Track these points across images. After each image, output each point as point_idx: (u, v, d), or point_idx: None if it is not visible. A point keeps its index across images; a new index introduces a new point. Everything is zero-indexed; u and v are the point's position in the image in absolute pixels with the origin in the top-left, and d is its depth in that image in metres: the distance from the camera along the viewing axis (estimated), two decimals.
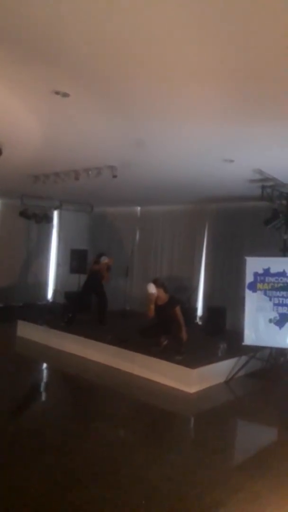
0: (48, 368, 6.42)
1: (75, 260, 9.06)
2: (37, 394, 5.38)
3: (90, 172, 5.63)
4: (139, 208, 9.91)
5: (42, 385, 5.78)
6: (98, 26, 2.20)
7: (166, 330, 5.75)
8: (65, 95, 3.10)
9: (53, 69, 2.77)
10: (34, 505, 2.75)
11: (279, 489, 3.09)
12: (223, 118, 3.53)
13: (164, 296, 5.72)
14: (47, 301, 9.98)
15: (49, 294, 10.20)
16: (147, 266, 9.67)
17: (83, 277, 8.62)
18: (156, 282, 5.77)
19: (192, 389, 5.14)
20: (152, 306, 5.64)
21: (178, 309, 5.66)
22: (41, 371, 6.37)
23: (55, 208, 9.17)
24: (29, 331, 7.41)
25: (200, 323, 8.21)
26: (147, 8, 1.99)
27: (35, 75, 2.86)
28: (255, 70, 2.61)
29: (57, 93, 3.07)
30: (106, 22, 2.15)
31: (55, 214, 9.40)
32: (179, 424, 4.54)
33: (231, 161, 4.91)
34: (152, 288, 5.66)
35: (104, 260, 7.42)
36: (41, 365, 6.53)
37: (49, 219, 9.06)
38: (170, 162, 5.28)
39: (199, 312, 8.53)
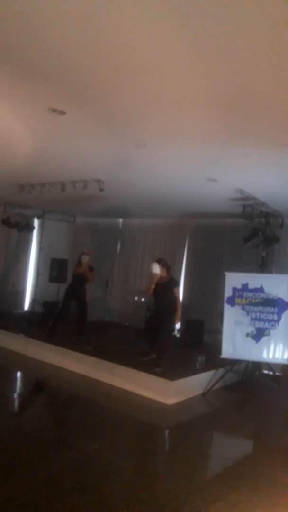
0: (26, 378, 6.36)
1: (55, 269, 9.04)
2: (14, 405, 5.33)
3: (76, 185, 5.72)
4: (121, 220, 10.03)
5: (20, 396, 5.72)
6: (95, 50, 2.31)
7: (162, 312, 5.86)
8: (62, 112, 3.21)
9: (52, 88, 2.87)
10: None
11: (256, 498, 3.21)
12: (208, 141, 3.72)
13: (165, 276, 5.91)
14: (24, 310, 9.87)
15: (26, 303, 10.10)
16: (127, 278, 9.76)
17: (62, 287, 8.62)
18: (160, 262, 5.93)
19: (170, 401, 5.23)
20: (153, 286, 5.79)
21: (176, 290, 5.96)
22: (19, 381, 6.31)
23: (38, 217, 9.16)
24: (6, 340, 7.32)
25: (178, 335, 8.33)
26: (142, 36, 2.11)
27: (34, 92, 2.96)
28: (240, 99, 2.80)
29: (53, 110, 3.17)
30: (103, 47, 2.26)
31: (37, 222, 9.37)
32: (157, 435, 4.61)
33: (215, 180, 5.13)
34: (156, 268, 5.82)
35: (85, 259, 7.32)
36: (19, 376, 6.46)
37: (31, 228, 9.04)
38: (155, 180, 5.46)
39: (177, 325, 8.66)
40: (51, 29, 2.12)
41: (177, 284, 6.07)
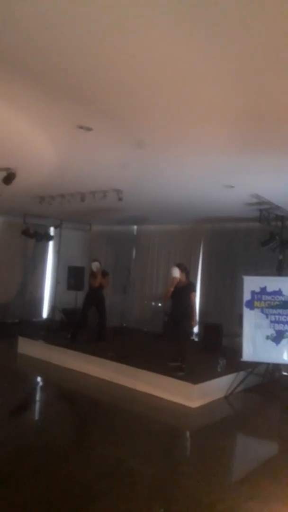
0: (49, 384, 6.51)
1: (72, 277, 9.25)
2: (38, 410, 5.47)
3: (96, 195, 5.89)
4: (135, 227, 10.19)
5: (43, 401, 5.87)
6: (121, 68, 2.44)
7: (178, 315, 5.99)
8: (88, 129, 3.38)
9: (81, 105, 3.04)
10: None
11: (287, 496, 3.30)
12: (227, 150, 3.86)
13: (184, 280, 6.06)
14: (43, 318, 10.07)
15: (45, 311, 10.30)
16: (143, 284, 9.90)
17: (80, 294, 8.81)
18: (180, 267, 6.08)
19: (194, 404, 5.32)
20: (172, 289, 5.94)
21: (193, 295, 6.10)
22: (42, 387, 6.46)
23: (55, 227, 9.37)
24: (29, 348, 7.49)
25: (196, 339, 8.42)
26: (167, 51, 2.22)
27: (63, 111, 3.13)
28: (262, 111, 2.93)
29: (81, 127, 3.34)
30: (130, 64, 2.39)
31: (54, 231, 9.59)
32: (184, 437, 4.72)
33: (231, 187, 5.25)
34: (176, 272, 5.97)
35: (96, 267, 7.32)
36: (42, 381, 6.62)
37: (49, 237, 9.26)
38: (173, 188, 5.61)
39: (196, 329, 8.75)
40: (83, 51, 2.25)
41: (194, 289, 6.23)
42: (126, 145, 3.83)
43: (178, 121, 3.19)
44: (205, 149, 3.84)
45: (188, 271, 6.31)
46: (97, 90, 2.77)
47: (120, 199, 5.71)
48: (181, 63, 2.33)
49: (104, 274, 7.52)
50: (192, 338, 8.40)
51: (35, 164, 4.53)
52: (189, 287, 6.10)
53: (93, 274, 7.43)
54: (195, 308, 6.08)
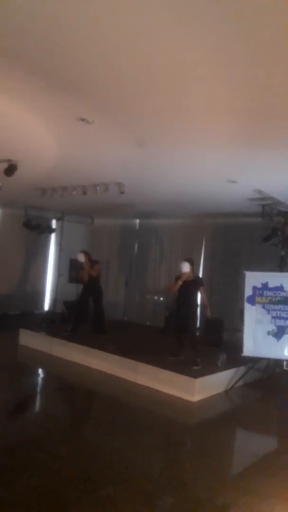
0: (50, 376, 6.54)
1: (74, 270, 9.23)
2: (38, 402, 5.50)
3: (98, 188, 5.86)
4: (138, 221, 10.16)
5: (44, 393, 5.89)
6: (123, 61, 2.41)
7: (187, 309, 6.04)
8: (90, 122, 3.34)
9: (82, 99, 3.01)
10: (46, 507, 2.90)
11: (285, 490, 3.31)
12: (230, 145, 3.82)
13: (191, 274, 6.11)
14: (45, 310, 10.09)
15: (46, 303, 10.32)
16: (145, 278, 9.89)
17: (81, 287, 8.80)
18: (190, 261, 6.15)
19: (194, 398, 5.34)
20: (180, 283, 5.96)
21: (203, 289, 6.17)
22: (43, 379, 6.50)
23: (57, 219, 9.35)
24: (31, 340, 7.52)
25: (197, 334, 8.41)
26: (169, 43, 2.18)
27: (64, 103, 3.10)
28: (266, 105, 2.89)
29: (82, 120, 3.31)
30: (131, 57, 2.36)
31: (56, 223, 9.58)
32: (184, 431, 4.73)
33: (234, 182, 5.21)
34: (187, 267, 6.01)
35: (81, 258, 7.19)
36: (44, 374, 6.65)
37: (51, 230, 9.24)
38: (176, 183, 5.57)
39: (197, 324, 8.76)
40: (85, 43, 2.23)
41: (203, 283, 6.26)
42: (128, 139, 3.79)
43: (180, 114, 3.15)
44: (207, 143, 3.79)
45: (193, 264, 6.37)
46: (98, 82, 2.74)
47: (122, 192, 5.68)
48: (184, 55, 2.30)
49: (93, 262, 7.35)
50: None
51: (36, 156, 4.50)
52: (198, 282, 6.17)
53: (81, 267, 7.36)
54: (207, 302, 6.24)
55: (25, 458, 3.59)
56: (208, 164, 4.53)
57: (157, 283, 9.63)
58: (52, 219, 9.35)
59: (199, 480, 3.45)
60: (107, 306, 8.31)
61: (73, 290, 9.31)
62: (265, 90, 2.64)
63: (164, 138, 3.73)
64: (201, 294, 6.17)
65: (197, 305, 6.24)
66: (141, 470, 3.53)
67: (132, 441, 4.19)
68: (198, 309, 6.40)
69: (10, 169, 4.69)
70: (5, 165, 4.67)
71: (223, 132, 3.43)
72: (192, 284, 6.06)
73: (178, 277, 6.06)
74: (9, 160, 4.65)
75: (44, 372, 6.68)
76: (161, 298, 9.38)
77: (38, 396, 5.64)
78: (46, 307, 10.18)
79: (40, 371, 6.68)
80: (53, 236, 10.03)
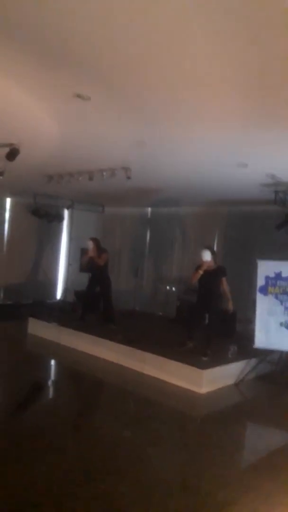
0: (58, 365, 6.49)
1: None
2: (47, 391, 5.45)
3: (104, 173, 5.70)
4: (149, 209, 9.98)
5: (52, 382, 5.85)
6: (121, 35, 2.26)
7: (207, 300, 5.82)
8: (87, 98, 3.17)
9: (77, 73, 2.84)
10: (41, 500, 2.80)
11: None
12: (240, 124, 3.58)
13: (212, 264, 5.88)
14: (56, 299, 10.08)
15: (59, 293, 10.30)
16: (157, 267, 9.73)
17: None
18: (210, 249, 5.93)
19: (202, 390, 5.17)
20: (201, 272, 5.76)
21: (225, 280, 5.88)
22: (51, 368, 6.45)
23: (67, 208, 9.26)
24: (39, 329, 7.49)
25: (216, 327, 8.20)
26: (170, 18, 2.03)
27: (59, 78, 2.93)
28: (274, 81, 2.66)
29: (79, 96, 3.14)
30: (130, 31, 2.21)
31: (66, 213, 9.49)
32: (189, 423, 4.58)
33: (245, 165, 4.96)
34: (208, 256, 5.80)
35: (89, 245, 7.03)
36: (52, 362, 6.61)
37: (61, 218, 9.15)
38: (185, 167, 5.36)
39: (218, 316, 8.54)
40: (75, 13, 2.07)
41: (226, 273, 5.95)
42: (130, 117, 3.60)
43: (186, 88, 2.94)
44: (215, 121, 3.55)
45: (215, 254, 6.10)
46: (93, 55, 2.56)
47: (129, 177, 5.51)
48: (189, 24, 2.10)
49: (101, 251, 7.15)
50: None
51: (37, 138, 4.36)
52: (220, 272, 5.91)
53: (86, 253, 7.21)
54: (229, 294, 5.92)
55: (27, 448, 3.52)
56: (217, 145, 4.29)
57: (169, 273, 9.45)
58: (61, 207, 9.26)
59: (203, 474, 3.29)
60: (118, 295, 8.20)
61: (85, 280, 9.22)
62: (277, 60, 2.41)
63: (168, 116, 3.52)
64: (223, 285, 5.87)
65: (218, 296, 5.90)
66: (143, 463, 3.41)
67: (136, 432, 4.07)
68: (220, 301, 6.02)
69: (12, 153, 4.56)
70: (6, 150, 4.54)
71: (231, 107, 3.20)
72: (213, 274, 5.82)
73: (199, 267, 5.84)
74: (10, 144, 4.52)
75: (51, 361, 6.63)
76: (173, 288, 9.20)
77: (42, 386, 5.57)
78: (58, 296, 10.16)
79: (47, 360, 6.63)
80: (65, 225, 9.96)
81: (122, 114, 3.55)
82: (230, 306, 5.95)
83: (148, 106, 3.35)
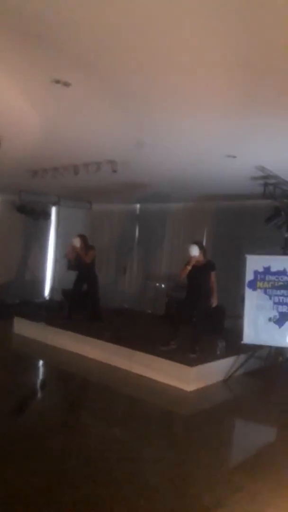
0: (44, 365, 6.34)
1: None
2: (33, 391, 5.30)
3: (89, 167, 5.56)
4: (138, 206, 9.84)
5: (39, 382, 5.71)
6: (101, 14, 2.13)
7: (196, 295, 5.69)
8: (66, 84, 3.02)
9: (54, 57, 2.69)
10: (30, 503, 2.68)
11: (279, 489, 3.03)
12: (227, 111, 3.45)
13: (201, 259, 5.74)
14: (44, 298, 9.89)
15: (47, 291, 10.11)
16: (146, 264, 9.61)
17: None
18: (199, 244, 5.79)
19: (190, 387, 5.07)
20: (189, 268, 5.62)
21: (213, 274, 5.76)
22: (37, 368, 6.29)
23: (53, 204, 9.09)
24: (25, 328, 7.31)
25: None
26: (155, 1, 1.92)
27: (35, 62, 2.79)
28: (265, 62, 2.54)
29: (57, 82, 2.99)
30: (110, 10, 2.08)
31: (53, 210, 9.30)
32: (177, 422, 4.48)
33: (234, 157, 4.85)
34: (195, 250, 5.66)
35: (75, 242, 6.94)
36: (38, 362, 6.45)
37: (47, 215, 8.97)
38: (172, 159, 5.22)
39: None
40: None
41: (215, 268, 5.83)
42: (113, 105, 3.46)
43: (170, 75, 2.81)
44: (202, 109, 3.41)
45: (205, 249, 5.98)
46: (71, 38, 2.42)
47: (114, 171, 5.37)
48: (174, 8, 1.99)
49: (88, 248, 7.06)
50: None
51: (15, 128, 4.18)
52: (209, 266, 5.78)
53: (73, 249, 7.10)
54: (215, 289, 5.78)
55: (10, 450, 3.37)
56: (204, 134, 4.15)
57: (158, 269, 9.33)
58: (48, 204, 9.08)
59: (190, 475, 3.19)
60: (106, 293, 8.06)
61: (73, 278, 9.07)
62: (263, 44, 2.30)
63: (153, 102, 3.36)
64: (212, 279, 5.75)
65: (207, 292, 5.76)
66: (125, 464, 3.28)
67: (123, 432, 3.96)
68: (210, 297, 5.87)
69: None
70: None
71: (214, 93, 3.07)
72: (202, 269, 5.70)
73: (187, 262, 5.72)
74: None
75: (37, 361, 6.47)
76: (163, 285, 9.08)
77: (29, 386, 5.42)
78: (46, 295, 9.97)
79: (32, 360, 6.46)
80: (52, 223, 9.77)
81: (104, 102, 3.41)
82: (215, 300, 5.79)
83: (130, 94, 3.22)
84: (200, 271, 5.68)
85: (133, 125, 3.96)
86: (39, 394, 5.28)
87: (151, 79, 2.94)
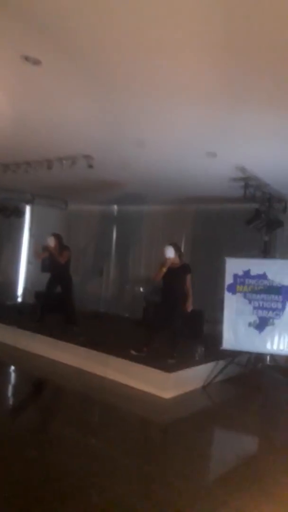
0: (15, 370, 5.98)
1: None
2: (2, 399, 4.94)
3: (64, 162, 5.28)
4: (116, 207, 9.59)
5: (8, 388, 5.34)
6: None
7: (172, 299, 5.48)
8: (36, 62, 2.76)
9: (22, 30, 2.43)
10: None
11: (263, 500, 2.83)
12: (207, 100, 3.25)
13: (177, 261, 5.55)
14: (16, 300, 9.47)
15: (19, 293, 9.68)
16: (123, 267, 9.35)
17: None
18: (174, 246, 5.59)
19: (168, 394, 4.83)
20: (164, 270, 5.41)
21: (189, 277, 5.55)
22: (7, 374, 5.91)
23: (27, 203, 8.72)
24: None
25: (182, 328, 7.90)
26: None
27: (1, 33, 2.50)
28: (245, 42, 2.36)
29: (26, 58, 2.72)
30: None
31: (27, 209, 8.93)
32: (154, 432, 4.24)
33: (214, 154, 4.68)
34: (171, 252, 5.45)
35: (50, 242, 6.70)
36: (8, 368, 6.07)
37: (20, 214, 8.58)
38: (150, 156, 5.01)
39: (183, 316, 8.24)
40: None
41: (190, 271, 5.62)
42: (87, 86, 3.19)
43: (148, 54, 2.59)
44: (182, 97, 3.21)
45: (181, 251, 5.78)
46: (41, 9, 2.17)
47: (90, 166, 5.11)
48: None
49: (63, 249, 6.77)
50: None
51: None
52: (185, 269, 5.57)
53: (45, 249, 6.83)
54: (190, 293, 5.53)
55: None
56: (183, 128, 3.96)
57: (136, 273, 9.08)
58: (21, 202, 8.69)
59: (165, 490, 2.93)
60: (82, 296, 7.74)
61: (46, 280, 8.72)
62: (248, 21, 2.11)
63: (129, 87, 3.11)
64: (187, 283, 5.53)
65: (184, 295, 5.53)
66: (99, 478, 3.00)
67: (97, 442, 3.69)
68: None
69: None
70: None
71: (195, 78, 2.87)
72: (178, 272, 5.48)
73: (162, 264, 5.51)
74: None
75: (7, 367, 6.08)
76: (141, 289, 8.82)
77: None
78: (19, 297, 9.54)
79: (2, 366, 6.07)
80: (27, 222, 9.37)
81: (78, 84, 3.14)
82: (189, 305, 5.52)
83: (106, 76, 2.97)
84: (176, 274, 5.48)
85: (108, 111, 3.70)
86: (9, 402, 4.92)
87: (129, 61, 2.71)
